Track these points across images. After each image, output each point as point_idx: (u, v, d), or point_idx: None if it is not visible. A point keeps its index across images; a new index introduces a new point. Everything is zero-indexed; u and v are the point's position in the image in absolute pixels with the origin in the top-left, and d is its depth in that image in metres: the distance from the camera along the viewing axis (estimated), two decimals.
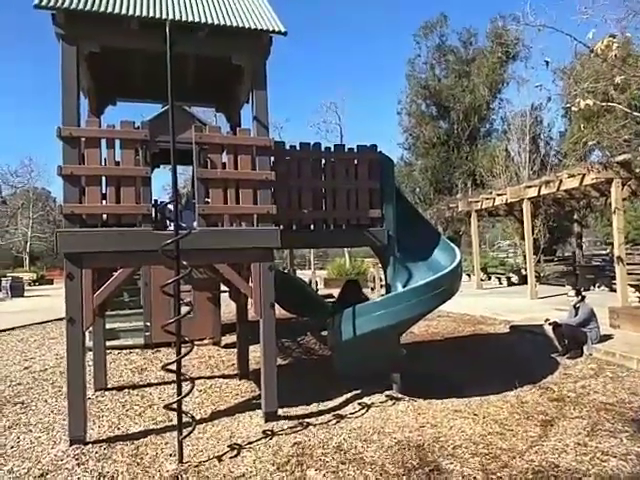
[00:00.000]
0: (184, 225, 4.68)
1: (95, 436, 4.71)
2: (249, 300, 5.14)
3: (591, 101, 7.25)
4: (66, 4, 4.38)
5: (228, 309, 11.76)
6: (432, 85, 33.31)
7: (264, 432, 4.68)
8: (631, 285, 11.05)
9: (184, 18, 4.59)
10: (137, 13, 4.50)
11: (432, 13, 36.13)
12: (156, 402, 5.75)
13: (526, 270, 19.15)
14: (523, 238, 21.31)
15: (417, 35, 34.47)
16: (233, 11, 4.96)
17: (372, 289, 18.77)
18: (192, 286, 8.90)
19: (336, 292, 18.37)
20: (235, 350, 7.17)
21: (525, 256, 20.40)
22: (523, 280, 18.39)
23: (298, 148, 5.65)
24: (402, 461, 4.01)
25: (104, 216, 4.67)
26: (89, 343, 6.52)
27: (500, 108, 33.62)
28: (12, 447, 4.51)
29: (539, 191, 13.20)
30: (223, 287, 8.07)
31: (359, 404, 5.44)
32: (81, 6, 4.41)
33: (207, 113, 22.13)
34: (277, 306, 9.05)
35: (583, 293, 7.70)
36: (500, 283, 19.94)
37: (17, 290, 24.20)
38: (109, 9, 4.47)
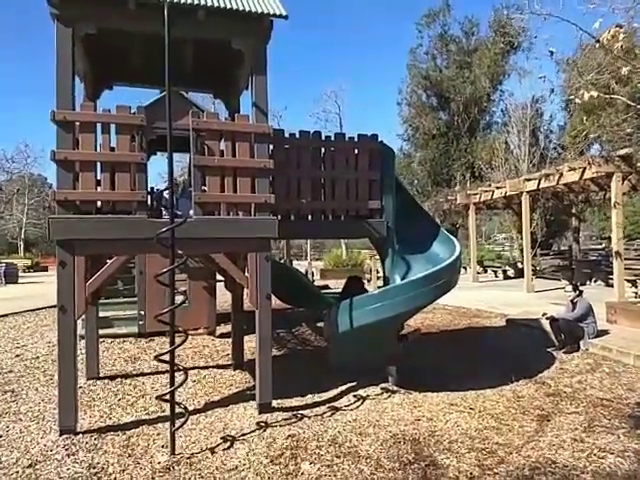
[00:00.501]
0: (180, 213, 4.58)
1: (86, 426, 4.64)
2: (245, 290, 5.06)
3: (595, 93, 7.16)
4: None
5: (224, 298, 11.69)
6: (433, 75, 33.04)
7: (258, 424, 4.63)
8: (628, 280, 11.03)
9: (182, 0, 4.45)
10: None
11: (435, 2, 35.66)
12: (149, 392, 5.69)
13: (522, 263, 19.18)
14: (520, 231, 21.31)
15: (419, 24, 34.13)
16: None
17: (368, 281, 18.73)
18: (187, 275, 8.82)
19: (332, 283, 18.53)
20: (230, 340, 7.12)
21: (522, 249, 20.45)
22: (519, 273, 18.40)
23: (297, 136, 5.54)
24: (397, 455, 3.97)
25: (98, 203, 4.57)
26: (82, 331, 6.47)
27: (501, 100, 33.44)
28: (0, 436, 4.44)
29: (539, 184, 13.13)
30: (219, 276, 8.00)
31: (354, 396, 5.40)
32: None
33: (205, 100, 21.91)
34: (272, 296, 9.07)
35: (580, 288, 7.66)
36: (496, 276, 19.97)
37: (11, 276, 24.08)
38: None
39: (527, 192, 13.99)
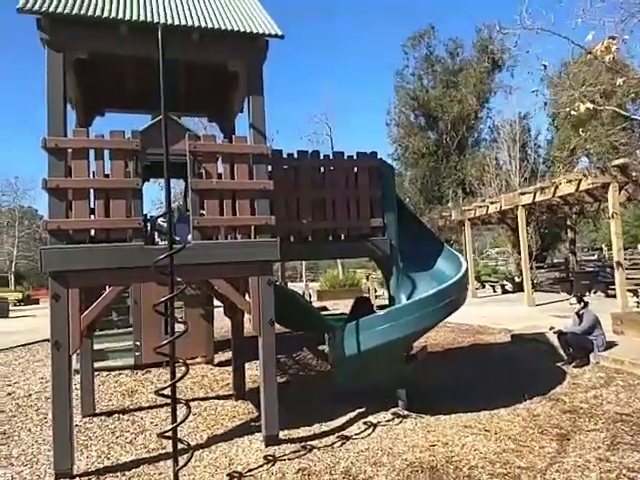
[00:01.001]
0: (177, 239, 4.42)
1: (83, 468, 4.38)
2: (246, 316, 4.87)
3: (591, 105, 7.18)
4: (52, 8, 4.14)
5: (220, 325, 11.43)
6: (420, 96, 33.43)
7: (265, 458, 4.40)
8: (629, 290, 10.93)
9: (176, 22, 4.38)
10: (127, 17, 4.28)
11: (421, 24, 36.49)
12: (148, 427, 5.43)
13: (519, 277, 19.12)
14: (515, 246, 21.34)
15: (405, 46, 34.70)
16: (227, 14, 4.76)
17: None
18: (183, 302, 8.59)
19: (330, 304, 18.28)
20: (229, 368, 6.88)
21: (518, 264, 20.40)
22: (517, 287, 18.30)
23: (296, 156, 5.43)
24: None
25: (92, 231, 4.40)
26: (76, 365, 6.22)
27: (488, 117, 33.90)
28: None
29: (534, 197, 13.13)
30: (216, 302, 7.78)
31: (364, 423, 5.18)
32: (67, 10, 4.18)
33: (197, 125, 21.92)
34: None
35: (586, 300, 7.53)
36: (494, 291, 19.84)
37: (1, 311, 23.56)
38: (97, 13, 4.25)
39: (522, 206, 13.97)
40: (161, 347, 3.93)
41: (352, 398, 5.73)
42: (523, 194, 13.79)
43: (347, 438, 4.80)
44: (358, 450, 4.49)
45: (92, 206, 4.42)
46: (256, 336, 4.72)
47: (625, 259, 13.61)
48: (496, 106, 33.16)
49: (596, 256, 33.83)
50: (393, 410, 5.46)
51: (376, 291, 20.28)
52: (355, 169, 5.65)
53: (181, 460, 3.86)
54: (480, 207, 16.83)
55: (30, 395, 7.17)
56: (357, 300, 7.08)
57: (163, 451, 4.66)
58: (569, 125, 25.44)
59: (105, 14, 4.25)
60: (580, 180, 10.95)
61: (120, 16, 4.26)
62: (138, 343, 8.56)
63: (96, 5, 4.35)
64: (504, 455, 4.27)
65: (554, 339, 7.82)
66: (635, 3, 6.65)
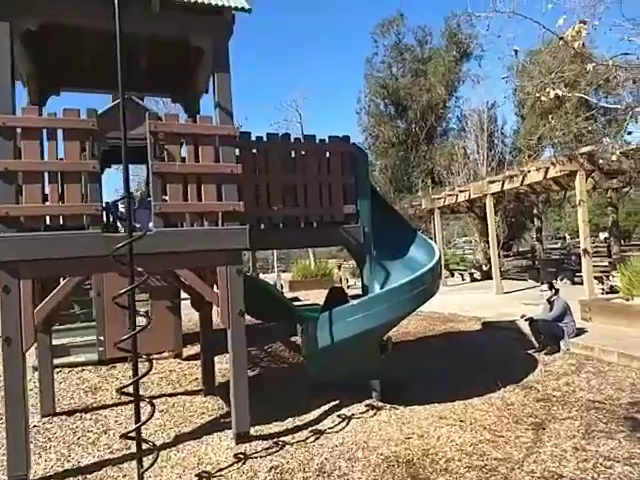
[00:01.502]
0: (138, 226, 4.12)
1: (40, 472, 4.09)
2: (214, 308, 4.63)
3: (560, 92, 7.16)
4: None
5: (187, 318, 11.10)
6: (390, 84, 33.35)
7: (236, 456, 4.19)
8: (595, 277, 11.13)
9: None
10: None
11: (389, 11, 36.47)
12: (112, 427, 5.14)
13: (487, 266, 19.39)
14: (482, 234, 21.62)
15: (374, 33, 34.47)
16: None
17: None
18: (149, 294, 8.25)
19: (302, 294, 18.08)
20: (198, 362, 6.62)
21: (485, 252, 20.69)
22: (485, 276, 18.55)
23: (265, 139, 5.17)
24: None
25: (47, 218, 4.07)
26: (35, 362, 5.85)
27: (456, 106, 34.13)
28: None
29: (502, 186, 13.23)
30: (184, 294, 7.48)
31: (338, 416, 5.03)
32: None
33: (162, 110, 21.20)
34: None
35: (557, 287, 7.57)
36: (463, 279, 20.06)
37: None
38: None
39: (491, 194, 14.07)
40: (121, 342, 3.68)
41: (326, 390, 5.57)
42: (492, 182, 13.87)
43: (321, 433, 4.64)
44: (332, 445, 4.33)
45: (46, 191, 4.09)
46: (219, 329, 4.49)
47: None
48: (464, 95, 33.45)
49: (560, 244, 34.77)
50: (367, 402, 5.33)
51: (348, 281, 20.23)
52: (328, 154, 5.44)
53: (147, 461, 3.62)
54: (450, 196, 16.91)
55: None
56: (331, 290, 6.92)
57: (128, 451, 4.40)
58: (535, 115, 25.86)
59: None
60: (548, 168, 11.05)
61: None
62: (102, 337, 8.17)
63: None
64: (480, 446, 4.19)
65: (524, 326, 7.86)
66: None
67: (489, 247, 15.63)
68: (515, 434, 4.43)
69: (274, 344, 9.29)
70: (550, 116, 16.19)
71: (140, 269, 3.54)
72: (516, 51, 7.34)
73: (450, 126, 34.96)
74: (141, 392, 6.37)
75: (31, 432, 5.01)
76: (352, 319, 4.90)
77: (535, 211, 21.62)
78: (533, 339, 7.47)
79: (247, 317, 9.29)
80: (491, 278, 15.30)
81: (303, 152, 5.34)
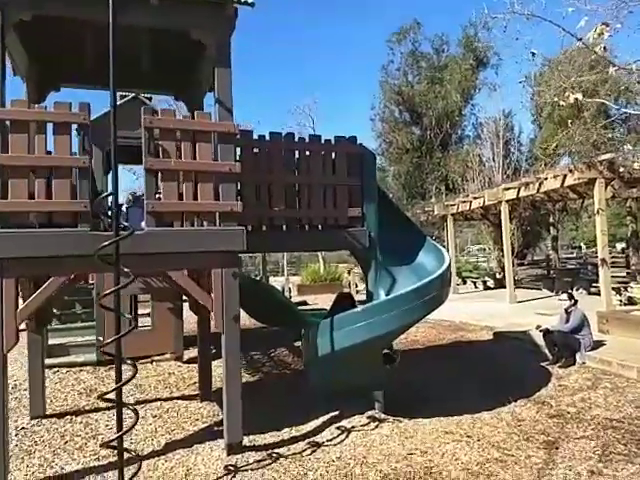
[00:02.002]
0: (126, 224, 3.93)
1: (21, 478, 3.90)
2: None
3: (580, 95, 6.88)
4: None
5: (191, 319, 10.95)
6: (405, 91, 33.08)
7: (226, 468, 3.98)
8: (613, 288, 10.73)
9: None
10: None
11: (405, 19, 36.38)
12: (102, 431, 4.95)
13: (500, 274, 18.97)
14: (496, 242, 21.20)
15: (390, 41, 34.26)
16: None
17: None
18: (151, 295, 8.11)
19: (310, 299, 17.86)
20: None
21: (499, 260, 20.26)
22: (498, 284, 18.14)
23: (268, 138, 4.97)
24: None
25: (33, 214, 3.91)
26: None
27: (472, 114, 33.74)
28: None
29: (518, 193, 12.88)
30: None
31: (338, 428, 4.78)
32: None
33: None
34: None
35: (576, 297, 7.24)
36: (476, 287, 19.66)
37: None
38: None
39: (506, 201, 13.73)
40: (106, 346, 3.51)
41: (326, 399, 5.34)
42: (507, 189, 13.53)
43: (318, 445, 4.40)
44: (329, 460, 4.09)
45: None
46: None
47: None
48: (480, 103, 33.00)
49: (575, 254, 34.08)
50: (369, 413, 5.08)
51: (357, 286, 19.93)
52: (333, 154, 5.22)
53: (132, 469, 3.43)
54: (463, 202, 16.57)
55: None
56: (339, 296, 6.71)
57: (114, 459, 4.18)
58: (552, 123, 25.39)
59: None
60: (565, 175, 10.70)
61: None
62: (101, 338, 8.03)
63: None
64: (487, 466, 3.92)
65: (538, 337, 7.53)
66: None
67: (503, 255, 15.25)
68: (526, 453, 4.15)
69: (278, 349, 9.06)
70: (570, 121, 15.76)
71: (126, 269, 3.35)
72: (533, 54, 7.07)
73: (465, 133, 34.58)
74: (138, 395, 6.30)
75: (18, 434, 4.88)
76: (354, 327, 4.66)
77: (551, 219, 21.13)
78: (547, 351, 7.14)
79: (252, 321, 9.15)
80: (504, 287, 14.92)
81: (307, 152, 5.13)
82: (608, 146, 15.05)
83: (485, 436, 4.54)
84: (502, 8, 6.80)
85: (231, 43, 4.41)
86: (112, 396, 3.48)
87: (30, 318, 5.29)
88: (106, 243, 3.28)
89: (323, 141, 5.23)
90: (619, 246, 27.86)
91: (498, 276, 19.04)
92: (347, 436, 4.59)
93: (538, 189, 11.94)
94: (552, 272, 18.58)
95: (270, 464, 4.03)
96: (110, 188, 4.14)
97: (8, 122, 3.80)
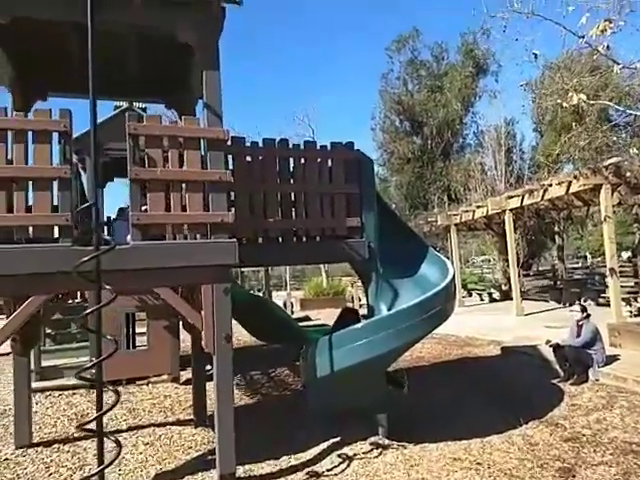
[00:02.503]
0: (108, 238, 3.68)
1: None
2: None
3: (584, 96, 6.67)
4: None
5: (188, 338, 10.65)
6: (405, 100, 33.03)
7: None
8: (622, 299, 10.40)
9: None
10: None
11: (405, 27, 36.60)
12: (90, 461, 4.63)
13: (506, 285, 18.62)
14: (501, 253, 20.87)
15: (389, 49, 34.29)
16: None
17: None
18: (146, 314, 7.82)
19: (313, 313, 17.53)
20: None
21: (505, 271, 19.91)
22: (504, 296, 17.79)
23: (261, 145, 4.73)
24: None
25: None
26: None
27: (473, 122, 33.63)
28: None
29: (522, 201, 12.59)
30: None
31: (339, 456, 4.46)
32: None
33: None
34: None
35: (589, 311, 6.92)
36: (481, 299, 19.28)
37: None
38: None
39: (510, 210, 13.45)
40: (85, 371, 3.24)
41: (328, 423, 5.04)
42: (511, 198, 13.26)
43: (318, 475, 4.09)
44: None
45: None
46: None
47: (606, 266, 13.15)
48: (481, 110, 32.87)
49: (581, 264, 33.64)
50: (372, 439, 4.75)
51: (360, 299, 19.58)
52: (330, 161, 4.98)
53: None
54: (466, 212, 16.30)
55: None
56: (343, 311, 6.45)
57: None
58: (554, 130, 25.24)
59: None
60: (570, 182, 10.42)
61: None
62: (94, 359, 7.75)
63: None
64: None
65: (548, 352, 7.21)
66: None
67: (508, 266, 14.93)
68: None
69: (280, 368, 8.73)
70: (573, 124, 15.53)
71: (108, 286, 3.09)
72: (535, 55, 6.85)
73: (467, 142, 34.48)
74: (131, 421, 5.98)
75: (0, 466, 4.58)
76: (354, 345, 4.37)
77: (556, 228, 20.81)
78: (558, 367, 6.81)
79: (253, 339, 8.82)
80: (511, 298, 14.58)
81: (303, 160, 4.88)
82: (613, 151, 14.81)
83: (496, 463, 4.22)
84: (501, 9, 6.63)
85: (219, 44, 4.20)
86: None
87: (15, 340, 5.07)
88: (85, 259, 3.03)
89: (319, 147, 4.99)
90: (625, 255, 27.49)
91: (504, 288, 18.69)
92: (349, 465, 4.27)
93: (542, 197, 11.67)
94: (559, 283, 18.20)
95: None
96: (107, 202, 3.95)
97: None
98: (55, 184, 3.66)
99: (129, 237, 3.78)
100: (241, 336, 11.48)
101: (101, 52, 3.07)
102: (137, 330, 9.04)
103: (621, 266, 16.90)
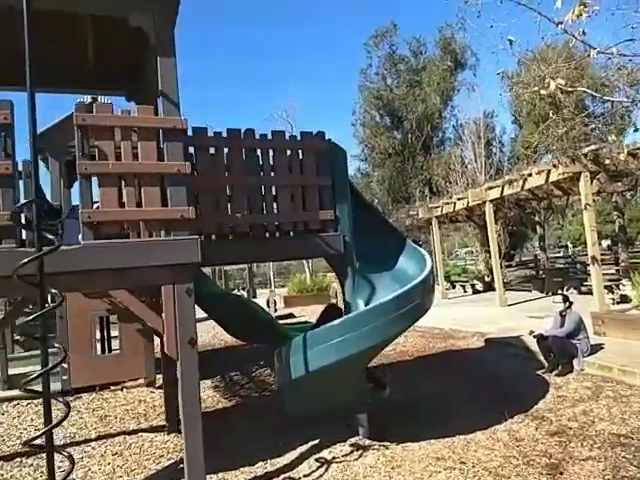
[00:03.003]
0: (52, 238, 3.38)
1: None
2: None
3: (562, 81, 6.52)
4: None
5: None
6: (385, 95, 32.89)
7: None
8: (605, 287, 10.36)
9: None
10: None
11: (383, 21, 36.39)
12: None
13: (489, 277, 18.60)
14: (483, 244, 20.87)
15: (368, 44, 34.07)
16: None
17: None
18: (117, 317, 7.52)
19: (297, 310, 17.30)
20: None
21: (487, 262, 19.91)
22: (487, 287, 17.78)
23: (225, 135, 4.46)
24: None
25: None
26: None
27: (452, 116, 33.65)
28: None
29: (502, 192, 12.51)
30: None
31: (317, 460, 4.25)
32: None
33: None
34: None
35: (571, 300, 6.80)
36: (465, 291, 19.26)
37: None
38: None
39: (490, 201, 13.37)
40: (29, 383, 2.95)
41: (306, 425, 4.83)
42: (490, 188, 13.18)
43: None
44: None
45: None
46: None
47: (587, 254, 13.15)
48: (460, 104, 32.89)
49: (562, 253, 33.98)
50: (352, 440, 4.55)
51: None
52: (300, 152, 4.73)
53: None
54: (447, 204, 16.21)
55: None
56: (327, 308, 6.25)
57: None
58: (532, 122, 25.33)
59: None
60: (549, 171, 10.34)
61: None
62: (65, 365, 7.42)
63: None
64: None
65: (532, 343, 7.09)
66: None
67: (490, 257, 14.87)
68: None
69: (261, 368, 8.49)
70: (550, 112, 15.53)
71: (53, 290, 2.81)
72: (511, 41, 6.67)
73: (447, 136, 34.50)
74: (101, 429, 5.68)
75: None
76: (331, 343, 4.14)
77: (537, 218, 20.88)
78: (542, 358, 6.69)
79: (231, 338, 8.54)
80: (493, 289, 14.54)
81: (271, 150, 4.63)
82: (591, 139, 14.82)
83: (481, 461, 4.05)
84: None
85: (174, 31, 3.93)
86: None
87: None
88: (25, 260, 2.72)
89: (288, 137, 4.75)
90: (604, 243, 27.77)
91: (487, 279, 18.69)
92: (327, 469, 4.05)
93: (522, 187, 11.59)
94: (541, 272, 18.25)
95: None
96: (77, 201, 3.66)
97: None
98: None
99: (80, 236, 3.49)
100: (222, 336, 11.24)
101: (55, 42, 2.82)
102: (113, 334, 8.75)
103: (602, 254, 17.02)
